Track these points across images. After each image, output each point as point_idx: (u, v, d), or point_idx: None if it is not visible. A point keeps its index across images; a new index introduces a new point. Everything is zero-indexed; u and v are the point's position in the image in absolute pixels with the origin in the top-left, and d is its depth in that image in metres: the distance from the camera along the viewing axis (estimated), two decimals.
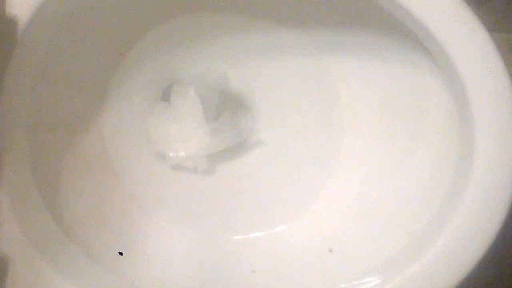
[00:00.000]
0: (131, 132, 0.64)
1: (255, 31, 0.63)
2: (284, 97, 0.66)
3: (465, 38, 0.47)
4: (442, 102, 0.54)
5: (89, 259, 0.54)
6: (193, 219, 0.64)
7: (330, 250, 0.58)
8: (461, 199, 0.48)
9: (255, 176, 0.66)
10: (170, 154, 0.63)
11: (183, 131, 0.63)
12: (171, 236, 0.62)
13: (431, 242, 0.48)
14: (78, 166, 0.59)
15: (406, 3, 0.47)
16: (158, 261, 0.60)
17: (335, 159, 0.63)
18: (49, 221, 0.53)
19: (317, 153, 0.65)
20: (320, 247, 0.59)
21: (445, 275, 0.48)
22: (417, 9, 0.47)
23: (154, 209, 0.63)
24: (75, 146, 0.60)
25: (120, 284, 0.55)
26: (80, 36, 0.57)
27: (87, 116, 0.62)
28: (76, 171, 0.59)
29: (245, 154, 0.66)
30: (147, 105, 0.65)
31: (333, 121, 0.64)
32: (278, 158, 0.66)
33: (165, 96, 0.65)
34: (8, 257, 0.49)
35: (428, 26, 0.47)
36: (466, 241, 0.47)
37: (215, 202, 0.65)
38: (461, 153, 0.50)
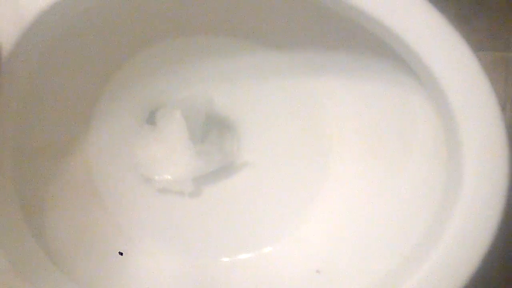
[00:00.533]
0: (116, 156, 0.64)
1: (243, 53, 0.63)
2: (270, 119, 0.66)
3: (450, 57, 0.47)
4: (429, 121, 0.54)
5: (75, 285, 0.54)
6: (179, 243, 0.64)
7: (318, 272, 0.58)
8: (450, 218, 0.47)
9: (242, 198, 0.65)
10: (156, 178, 0.63)
11: (169, 154, 0.63)
12: (158, 261, 0.61)
13: (421, 262, 0.48)
14: (63, 191, 0.59)
15: (391, 25, 0.47)
16: (144, 286, 0.59)
17: (322, 180, 0.63)
18: (34, 248, 0.52)
19: (304, 174, 0.65)
20: (308, 268, 0.59)
21: None
22: (402, 31, 0.47)
23: (140, 234, 0.62)
24: (60, 171, 0.60)
25: None
26: (65, 61, 0.57)
27: (72, 140, 0.61)
28: (61, 196, 0.59)
29: (231, 176, 0.65)
30: (133, 129, 0.64)
31: (320, 142, 0.64)
32: (264, 180, 0.65)
33: (151, 119, 0.65)
34: None
35: (413, 47, 0.47)
36: (455, 259, 0.47)
37: (201, 225, 0.64)
38: (449, 172, 0.50)
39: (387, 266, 0.52)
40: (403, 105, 0.57)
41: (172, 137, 0.63)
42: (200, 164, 0.62)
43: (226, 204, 0.65)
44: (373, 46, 0.55)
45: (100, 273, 0.57)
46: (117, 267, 0.59)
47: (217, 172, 0.64)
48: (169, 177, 0.62)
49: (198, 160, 0.62)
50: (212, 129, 0.65)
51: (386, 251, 0.55)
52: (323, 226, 0.62)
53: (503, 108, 0.79)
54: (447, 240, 0.47)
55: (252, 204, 0.65)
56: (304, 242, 0.62)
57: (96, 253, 0.59)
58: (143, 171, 0.63)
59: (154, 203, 0.64)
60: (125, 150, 0.64)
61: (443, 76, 0.47)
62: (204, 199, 0.65)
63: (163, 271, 0.61)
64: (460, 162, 0.47)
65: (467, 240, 0.47)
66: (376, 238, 0.58)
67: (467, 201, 0.47)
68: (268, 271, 0.61)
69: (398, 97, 0.58)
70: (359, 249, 0.58)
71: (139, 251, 0.61)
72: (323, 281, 0.57)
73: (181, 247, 0.63)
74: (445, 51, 0.47)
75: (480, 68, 0.47)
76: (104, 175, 0.63)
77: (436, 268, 0.47)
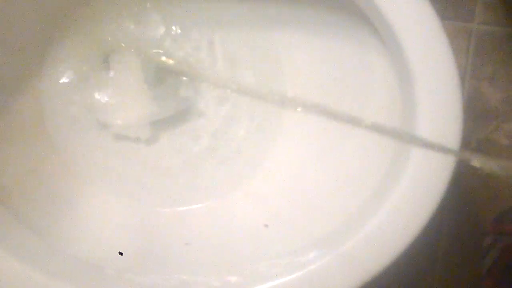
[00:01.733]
0: (70, 98, 0.62)
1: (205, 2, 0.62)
2: (227, 69, 0.64)
3: (414, 17, 0.47)
4: (386, 80, 0.54)
5: (20, 224, 0.53)
6: (130, 189, 0.63)
7: (266, 226, 0.58)
8: (398, 180, 0.48)
9: (195, 149, 0.64)
10: (112, 122, 0.61)
11: (125, 99, 0.61)
12: (107, 205, 0.61)
13: (367, 220, 0.48)
14: (12, 129, 0.57)
15: None
16: (92, 228, 0.58)
17: (275, 135, 0.63)
18: None
19: (257, 127, 0.64)
20: (256, 222, 0.59)
21: (379, 254, 0.47)
22: None
23: (90, 177, 0.62)
24: (9, 108, 0.58)
25: (51, 251, 0.53)
26: None
27: (23, 78, 0.60)
28: (9, 133, 0.57)
29: (186, 125, 0.64)
30: (88, 72, 0.62)
31: (274, 97, 0.63)
32: (219, 130, 0.64)
33: (106, 63, 0.63)
34: None
35: (377, 3, 0.47)
36: (401, 221, 0.47)
37: (153, 173, 0.64)
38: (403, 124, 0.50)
39: (334, 223, 0.52)
40: (361, 63, 0.57)
41: (127, 82, 0.61)
42: (155, 109, 0.61)
43: (179, 153, 0.64)
44: (338, 3, 0.55)
45: (47, 212, 0.56)
46: (65, 208, 0.59)
47: (172, 119, 0.63)
48: (125, 121, 0.61)
49: (154, 105, 0.61)
50: (167, 74, 0.64)
51: (333, 208, 0.55)
52: (273, 181, 0.62)
53: (463, 78, 0.80)
54: (394, 199, 0.47)
55: (204, 155, 0.64)
56: (254, 196, 0.62)
57: (44, 193, 0.58)
58: (98, 116, 0.62)
59: (107, 148, 0.63)
60: (79, 94, 0.62)
61: (404, 35, 0.47)
62: (158, 147, 0.64)
63: (111, 214, 0.60)
64: (414, 125, 0.47)
65: (414, 204, 0.47)
66: (325, 195, 0.58)
67: (417, 163, 0.47)
68: (215, 224, 0.61)
69: (356, 55, 0.57)
70: (307, 205, 0.58)
71: (89, 193, 0.61)
72: (270, 235, 0.57)
73: (131, 193, 0.62)
74: (410, 11, 0.47)
75: (442, 32, 0.47)
76: (56, 117, 0.61)
77: (383, 226, 0.47)
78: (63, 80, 0.61)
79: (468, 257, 0.82)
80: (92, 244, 0.57)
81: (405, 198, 0.47)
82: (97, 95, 0.61)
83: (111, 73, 0.62)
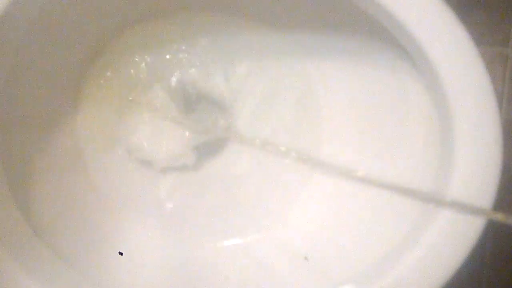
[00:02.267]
0: (105, 132, 0.63)
1: (238, 32, 0.63)
2: (264, 99, 0.65)
3: (450, 47, 0.46)
4: (424, 110, 0.53)
5: (58, 259, 0.53)
6: (169, 224, 0.63)
7: (306, 258, 0.57)
8: (439, 211, 0.47)
9: (231, 180, 0.64)
10: (155, 158, 0.62)
11: (162, 134, 0.62)
12: (145, 241, 0.61)
13: (407, 253, 0.47)
14: (50, 165, 0.58)
15: (392, 10, 0.47)
16: (129, 265, 0.58)
17: (313, 166, 0.62)
18: (19, 220, 0.51)
19: (297, 157, 0.63)
20: (296, 254, 0.58)
21: (422, 284, 0.47)
22: (404, 16, 0.46)
23: (128, 211, 0.62)
24: (48, 145, 0.59)
25: (89, 285, 0.53)
26: (54, 32, 0.56)
27: (60, 115, 0.61)
28: (48, 170, 0.58)
29: (222, 156, 0.65)
30: (121, 108, 0.64)
31: (312, 126, 0.63)
32: (254, 161, 0.64)
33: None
34: None
35: (413, 34, 0.46)
36: (443, 252, 0.46)
37: (191, 208, 0.64)
38: (441, 161, 0.50)
39: (377, 253, 0.52)
40: (397, 91, 0.57)
41: (159, 113, 0.62)
42: (194, 132, 0.62)
43: (215, 184, 0.64)
44: (370, 30, 0.55)
45: (85, 248, 0.57)
46: (103, 243, 0.59)
47: (208, 151, 0.64)
48: (167, 154, 0.62)
49: (191, 130, 0.61)
50: (204, 105, 0.64)
51: (376, 238, 0.55)
52: (312, 213, 0.62)
53: (500, 103, 0.78)
54: (437, 228, 0.46)
55: (243, 187, 0.64)
56: (293, 228, 0.61)
57: (81, 228, 0.58)
58: (139, 156, 0.63)
59: (147, 183, 0.64)
60: (113, 128, 0.63)
61: (441, 65, 0.46)
62: (194, 178, 0.64)
63: (149, 250, 0.61)
64: (452, 151, 0.47)
65: (456, 233, 0.46)
66: (366, 224, 0.57)
67: (458, 191, 0.46)
68: (256, 258, 0.61)
69: (393, 84, 0.57)
70: (348, 235, 0.58)
71: (127, 229, 0.61)
72: (311, 268, 0.57)
73: (169, 228, 0.62)
74: (445, 40, 0.46)
75: (479, 60, 0.47)
76: (92, 151, 0.62)
77: (426, 255, 0.46)
78: (97, 113, 0.63)
79: None
80: (129, 279, 0.57)
81: (446, 228, 0.46)
82: (135, 138, 0.62)
83: (144, 115, 0.63)
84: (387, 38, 0.51)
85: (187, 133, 0.62)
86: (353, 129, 0.61)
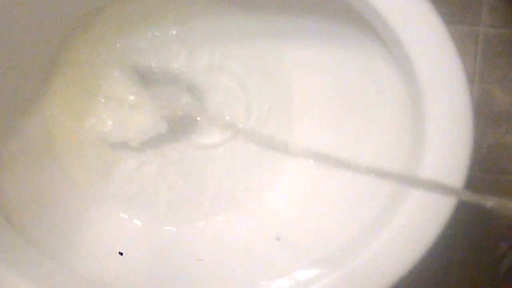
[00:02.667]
0: (75, 123, 0.62)
1: (211, 14, 0.62)
2: (236, 82, 0.64)
3: (420, 26, 0.47)
4: (394, 88, 0.54)
5: (31, 246, 0.53)
6: (139, 206, 0.62)
7: (278, 239, 0.57)
8: (410, 191, 0.47)
9: (203, 163, 0.64)
10: (126, 138, 0.61)
11: (126, 112, 0.61)
12: (117, 224, 0.60)
13: (380, 232, 0.47)
14: (20, 151, 0.57)
15: None
16: (102, 248, 0.58)
17: (286, 147, 0.62)
18: None
19: (269, 140, 0.63)
20: (268, 235, 0.58)
21: (392, 265, 0.47)
22: None
23: (99, 197, 0.61)
24: (18, 131, 0.58)
25: (63, 272, 0.53)
26: (27, 20, 0.55)
27: (32, 100, 0.59)
28: (18, 156, 0.57)
29: (194, 137, 0.64)
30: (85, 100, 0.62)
31: (284, 108, 0.63)
32: (228, 145, 0.64)
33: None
34: None
35: (382, 13, 0.47)
36: (414, 232, 0.46)
37: (161, 189, 0.63)
38: (412, 144, 0.50)
39: (347, 235, 0.52)
40: (368, 71, 0.57)
41: (119, 96, 0.61)
42: (160, 105, 0.61)
43: (186, 166, 0.64)
44: (341, 12, 0.55)
45: (58, 234, 0.56)
46: (75, 228, 0.58)
47: (181, 132, 0.63)
48: (137, 130, 0.61)
49: (158, 103, 0.61)
50: (172, 86, 0.64)
51: (346, 219, 0.55)
52: (285, 194, 0.62)
53: (471, 82, 0.79)
54: (408, 208, 0.47)
55: (213, 169, 0.64)
56: (265, 210, 0.61)
57: (53, 214, 0.58)
58: (114, 140, 0.62)
59: (115, 167, 0.63)
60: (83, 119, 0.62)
61: (411, 44, 0.46)
62: (166, 161, 0.63)
63: (121, 233, 0.60)
64: (424, 131, 0.47)
65: (427, 214, 0.46)
66: (336, 205, 0.57)
67: (428, 175, 0.47)
68: (227, 238, 0.61)
69: (363, 64, 0.57)
70: (321, 216, 0.58)
71: (97, 214, 0.60)
72: (283, 248, 0.57)
73: (140, 211, 0.62)
74: (415, 19, 0.47)
75: (449, 39, 0.47)
76: (63, 136, 0.61)
77: (398, 234, 0.47)
78: (67, 98, 0.62)
79: (484, 263, 0.81)
80: (103, 264, 0.56)
81: (417, 210, 0.46)
82: (100, 125, 0.62)
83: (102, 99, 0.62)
84: (360, 22, 0.51)
85: (154, 108, 0.61)
86: (326, 112, 0.61)
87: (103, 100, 0.61)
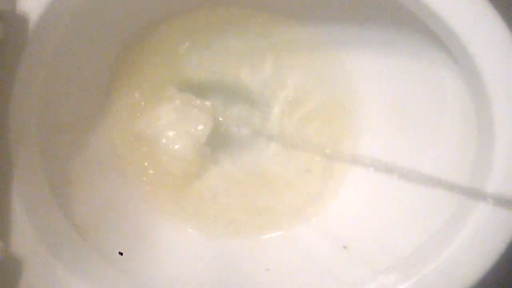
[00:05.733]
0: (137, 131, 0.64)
1: (269, 28, 0.63)
2: (299, 93, 0.64)
3: (487, 36, 0.46)
4: (460, 98, 0.53)
5: (102, 259, 0.54)
6: (207, 219, 0.63)
7: (345, 247, 0.57)
8: (479, 197, 0.47)
9: (267, 174, 0.65)
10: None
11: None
12: (185, 237, 0.62)
13: (449, 240, 0.47)
14: (89, 166, 0.59)
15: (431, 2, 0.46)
16: (170, 261, 0.59)
17: (351, 157, 0.63)
18: (62, 222, 0.52)
19: (332, 150, 0.64)
20: (335, 244, 0.58)
21: (462, 273, 0.47)
22: (439, 6, 0.46)
23: (167, 210, 0.62)
24: (86, 146, 0.59)
25: (132, 285, 0.54)
26: (91, 32, 0.56)
27: (96, 115, 0.61)
28: (86, 171, 0.58)
29: (256, 151, 0.65)
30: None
31: (348, 118, 0.63)
32: (292, 155, 0.64)
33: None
34: (22, 258, 0.49)
35: (449, 23, 0.46)
36: (484, 239, 0.46)
37: (228, 202, 0.64)
38: (479, 150, 0.49)
39: (414, 243, 0.52)
40: (433, 81, 0.56)
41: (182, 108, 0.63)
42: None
43: (251, 179, 0.64)
44: (403, 20, 0.54)
45: (126, 247, 0.57)
46: (143, 241, 0.60)
47: (241, 146, 0.64)
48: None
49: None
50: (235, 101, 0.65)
51: (413, 228, 0.55)
52: (351, 203, 0.62)
53: None
54: (476, 221, 0.46)
55: (279, 181, 0.64)
56: (331, 219, 0.61)
57: (121, 227, 0.59)
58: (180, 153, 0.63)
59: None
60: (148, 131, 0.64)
61: (478, 54, 0.46)
62: (230, 176, 0.64)
63: (189, 245, 0.61)
64: (492, 140, 0.46)
65: (497, 220, 0.46)
66: (403, 214, 0.57)
67: (498, 179, 0.46)
68: (294, 249, 0.61)
69: (428, 73, 0.57)
70: (387, 225, 0.57)
71: (165, 227, 0.62)
72: (351, 256, 0.57)
73: (207, 223, 0.63)
74: (482, 28, 0.46)
75: None
76: (127, 150, 0.63)
77: (466, 246, 0.46)
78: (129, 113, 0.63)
79: None
80: (170, 277, 0.57)
81: (487, 216, 0.46)
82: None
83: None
84: (425, 30, 0.50)
85: (220, 118, 0.62)
86: (390, 121, 0.61)
87: (164, 113, 0.62)
